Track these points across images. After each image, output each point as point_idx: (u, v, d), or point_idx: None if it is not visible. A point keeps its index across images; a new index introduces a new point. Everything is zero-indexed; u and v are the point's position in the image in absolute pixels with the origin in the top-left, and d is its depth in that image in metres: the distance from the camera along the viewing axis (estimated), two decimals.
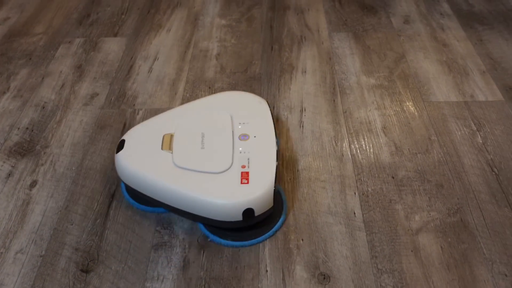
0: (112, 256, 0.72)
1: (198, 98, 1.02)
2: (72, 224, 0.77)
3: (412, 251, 0.71)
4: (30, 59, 1.17)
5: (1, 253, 0.73)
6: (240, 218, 0.69)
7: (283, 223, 0.75)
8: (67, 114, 1.00)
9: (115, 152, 0.78)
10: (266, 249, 0.72)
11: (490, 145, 0.88)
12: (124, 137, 0.79)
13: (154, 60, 1.14)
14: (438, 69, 1.07)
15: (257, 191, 0.69)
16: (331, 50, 1.14)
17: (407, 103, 0.98)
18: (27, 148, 0.92)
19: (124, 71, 1.11)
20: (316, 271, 0.69)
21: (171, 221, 0.77)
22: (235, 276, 0.69)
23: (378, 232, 0.74)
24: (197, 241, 0.74)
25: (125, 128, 0.95)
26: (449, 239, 0.73)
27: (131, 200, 0.80)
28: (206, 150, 0.74)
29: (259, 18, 1.27)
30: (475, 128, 0.92)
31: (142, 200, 0.78)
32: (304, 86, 1.03)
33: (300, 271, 0.69)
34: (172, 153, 0.74)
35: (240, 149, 0.75)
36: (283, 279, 0.68)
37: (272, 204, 0.71)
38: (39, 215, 0.79)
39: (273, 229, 0.74)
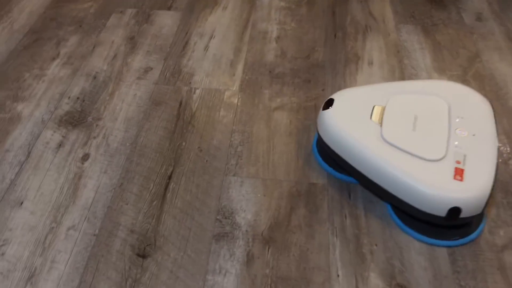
0: (171, 242, 0.67)
1: (259, 81, 0.96)
2: (127, 204, 0.72)
3: (498, 269, 0.65)
4: (80, 26, 1.12)
5: (52, 228, 0.69)
6: (443, 214, 0.63)
7: (482, 231, 0.69)
8: (120, 87, 0.95)
9: (322, 109, 0.76)
10: (337, 252, 0.66)
11: None
12: (333, 96, 0.77)
13: (211, 38, 1.08)
14: None
15: (471, 192, 0.63)
16: (399, 42, 1.07)
17: None
18: (79, 118, 0.87)
19: (179, 46, 1.06)
20: (392, 281, 0.63)
21: (232, 210, 0.72)
22: (304, 277, 0.64)
23: (459, 246, 0.68)
24: (261, 234, 0.68)
25: (181, 107, 0.90)
26: None
27: (321, 161, 0.78)
28: (417, 133, 0.69)
29: (319, 3, 1.20)
30: None
31: (334, 163, 0.76)
32: (371, 79, 0.97)
33: (374, 279, 0.63)
34: (381, 126, 0.70)
35: (456, 143, 0.69)
36: (356, 286, 0.63)
37: (481, 211, 0.65)
38: (92, 190, 0.74)
39: (475, 234, 0.68)
